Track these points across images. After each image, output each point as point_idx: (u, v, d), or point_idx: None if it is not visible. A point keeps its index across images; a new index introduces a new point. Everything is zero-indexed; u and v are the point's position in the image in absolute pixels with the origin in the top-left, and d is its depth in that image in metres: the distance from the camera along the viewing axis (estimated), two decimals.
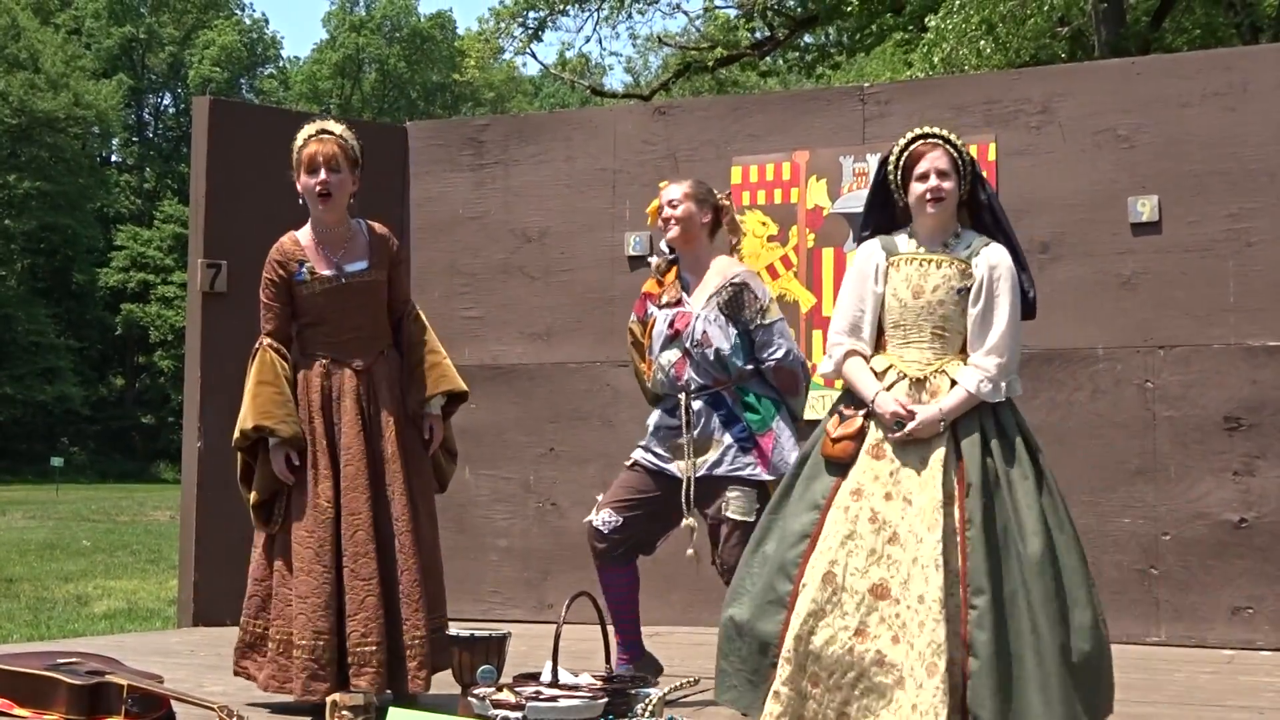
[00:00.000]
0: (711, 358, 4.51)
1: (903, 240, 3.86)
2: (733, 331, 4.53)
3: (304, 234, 4.51)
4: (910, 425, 3.66)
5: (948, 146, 3.83)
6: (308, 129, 4.51)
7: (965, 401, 3.68)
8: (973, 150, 6.39)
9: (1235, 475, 5.98)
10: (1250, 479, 5.97)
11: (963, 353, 3.76)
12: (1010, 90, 6.55)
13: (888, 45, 18.58)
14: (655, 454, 4.60)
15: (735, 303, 4.55)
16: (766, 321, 4.57)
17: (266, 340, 4.47)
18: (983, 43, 13.33)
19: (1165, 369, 6.10)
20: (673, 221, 4.62)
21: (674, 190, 4.66)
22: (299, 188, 4.48)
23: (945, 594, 3.49)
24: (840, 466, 3.72)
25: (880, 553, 3.60)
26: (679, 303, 4.62)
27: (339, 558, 4.34)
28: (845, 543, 3.63)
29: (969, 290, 3.74)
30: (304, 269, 4.43)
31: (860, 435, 3.73)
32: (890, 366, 3.79)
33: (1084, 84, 6.44)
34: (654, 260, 4.77)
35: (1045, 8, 13.34)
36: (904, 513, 3.62)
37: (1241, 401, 6.00)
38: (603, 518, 4.59)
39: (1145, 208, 6.20)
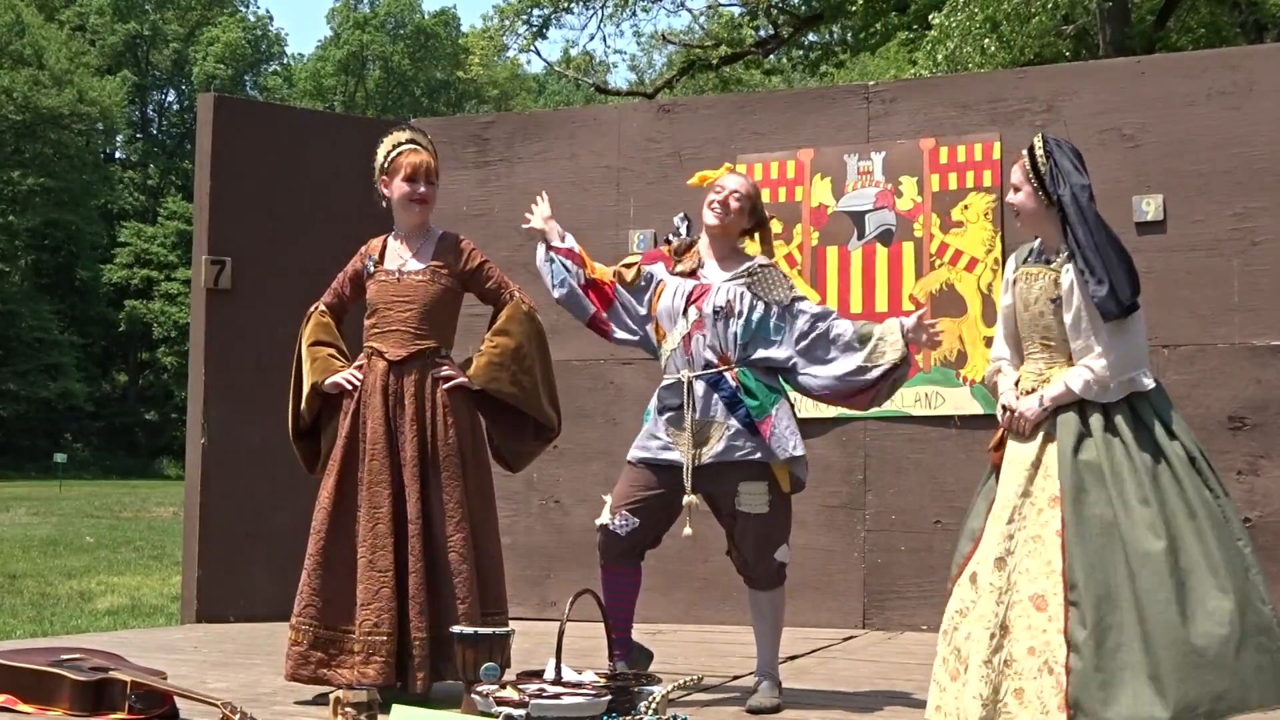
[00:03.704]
0: (734, 329, 4.50)
1: (1034, 253, 3.90)
2: (760, 306, 4.53)
3: (392, 235, 4.74)
4: (1014, 409, 3.76)
5: (1025, 156, 3.85)
6: (398, 136, 4.72)
7: (1065, 394, 3.72)
8: (978, 149, 6.52)
9: (1240, 475, 5.97)
10: (1255, 478, 5.96)
11: (1070, 361, 3.78)
12: (1015, 89, 6.54)
13: (892, 44, 18.59)
14: (656, 442, 4.54)
15: (765, 281, 4.57)
16: (798, 293, 4.63)
17: (318, 305, 4.76)
18: (987, 41, 13.33)
19: (1170, 368, 6.09)
20: (723, 208, 4.60)
21: (734, 181, 4.66)
22: (387, 192, 4.66)
23: (1049, 594, 3.59)
24: (996, 472, 3.86)
25: (1003, 556, 3.71)
26: (693, 274, 4.61)
27: (359, 548, 4.42)
28: (992, 547, 3.74)
29: (1061, 300, 3.77)
30: (370, 262, 4.68)
31: (1000, 445, 3.87)
32: (1019, 380, 3.87)
33: (1089, 83, 6.43)
34: (677, 239, 4.72)
35: (1049, 6, 13.33)
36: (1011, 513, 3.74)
37: (1246, 401, 6.00)
38: (618, 521, 4.54)
39: (1150, 207, 6.19)
